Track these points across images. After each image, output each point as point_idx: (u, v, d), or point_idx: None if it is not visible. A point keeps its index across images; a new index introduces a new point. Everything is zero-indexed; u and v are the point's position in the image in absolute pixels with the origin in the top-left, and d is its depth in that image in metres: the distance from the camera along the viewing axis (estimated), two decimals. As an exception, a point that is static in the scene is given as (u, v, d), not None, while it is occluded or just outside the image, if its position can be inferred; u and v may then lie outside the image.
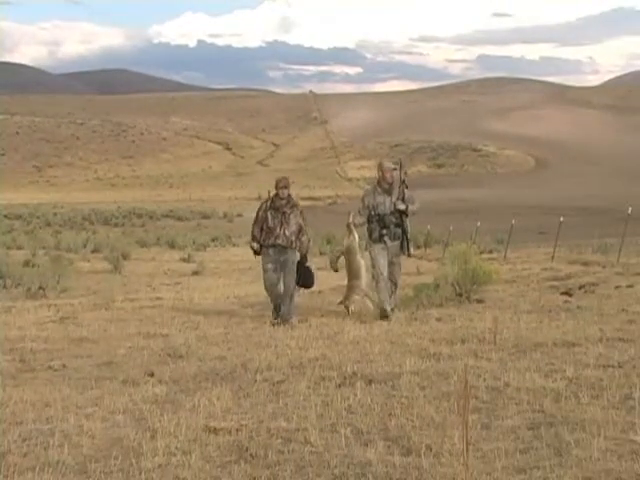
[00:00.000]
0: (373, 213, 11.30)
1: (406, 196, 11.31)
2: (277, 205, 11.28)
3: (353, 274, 11.81)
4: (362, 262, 11.76)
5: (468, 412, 4.72)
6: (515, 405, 5.73)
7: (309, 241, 11.67)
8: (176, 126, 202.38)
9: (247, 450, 4.96)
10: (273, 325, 10.67)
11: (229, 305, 13.76)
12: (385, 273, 11.21)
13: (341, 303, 11.81)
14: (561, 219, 23.77)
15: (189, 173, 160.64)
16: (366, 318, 11.02)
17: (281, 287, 11.29)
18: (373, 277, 11.42)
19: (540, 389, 6.08)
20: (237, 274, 25.08)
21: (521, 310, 10.72)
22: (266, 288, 11.43)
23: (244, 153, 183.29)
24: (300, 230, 11.35)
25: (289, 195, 11.40)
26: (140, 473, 4.66)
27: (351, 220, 11.73)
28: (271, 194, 11.54)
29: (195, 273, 25.67)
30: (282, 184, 11.36)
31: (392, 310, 11.17)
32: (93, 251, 37.93)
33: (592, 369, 6.66)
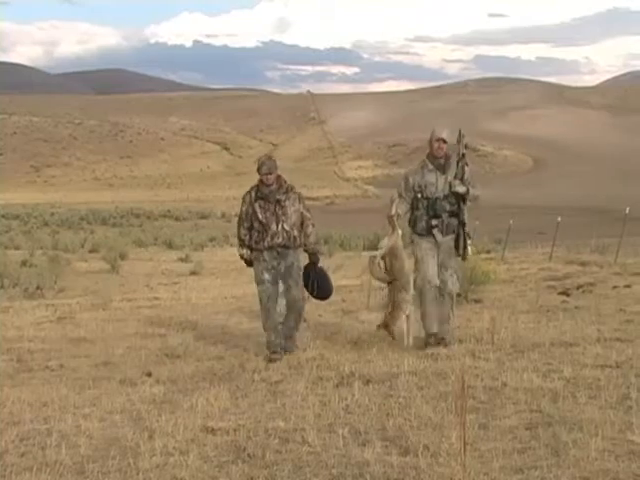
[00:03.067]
0: (420, 196, 8.53)
1: (466, 175, 8.55)
2: (265, 193, 8.49)
3: (399, 284, 8.64)
4: (411, 269, 8.75)
5: (466, 412, 4.72)
6: (513, 405, 5.73)
7: (316, 234, 8.89)
8: (174, 126, 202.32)
9: (245, 450, 4.96)
10: (272, 361, 7.99)
11: (227, 305, 13.75)
12: (435, 281, 8.45)
13: (383, 327, 8.76)
14: (558, 219, 23.76)
15: (187, 173, 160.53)
16: (406, 343, 8.49)
17: (283, 305, 8.64)
18: (415, 287, 8.60)
19: (538, 389, 6.08)
20: (235, 274, 25.05)
21: (519, 310, 10.72)
22: (262, 307, 8.55)
23: (242, 153, 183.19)
24: (303, 220, 8.62)
25: (279, 177, 8.61)
26: (138, 473, 4.66)
27: (394, 211, 8.60)
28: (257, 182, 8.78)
29: (193, 273, 25.65)
30: (265, 169, 8.47)
31: (443, 340, 8.33)
32: (91, 251, 37.88)
33: (590, 369, 6.66)
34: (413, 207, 8.64)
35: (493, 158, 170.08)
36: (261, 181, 8.60)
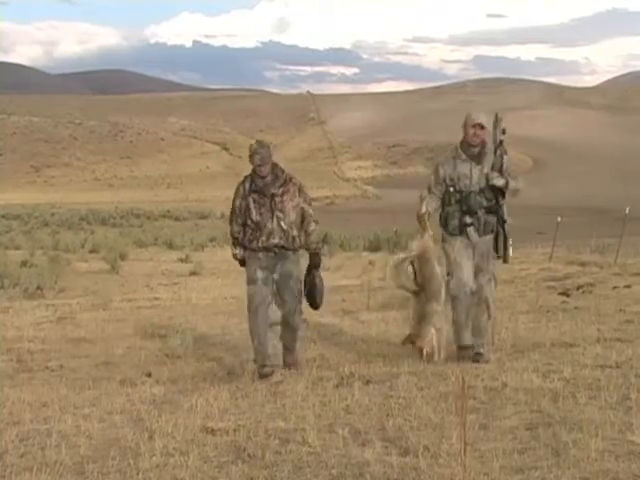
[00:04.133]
0: (452, 190, 7.52)
1: (505, 166, 7.56)
2: (259, 186, 7.48)
3: (429, 293, 7.51)
4: (442, 275, 7.64)
5: (466, 412, 4.72)
6: (513, 405, 5.72)
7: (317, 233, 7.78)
8: (174, 126, 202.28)
9: (245, 450, 4.96)
10: (261, 377, 7.24)
11: (227, 305, 13.76)
12: (471, 285, 7.53)
13: (409, 341, 7.67)
14: (558, 219, 23.76)
15: (187, 173, 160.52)
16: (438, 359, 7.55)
17: (275, 311, 7.67)
18: (448, 293, 7.60)
19: (538, 389, 6.08)
20: (235, 274, 24.96)
21: (519, 310, 10.72)
22: (251, 309, 7.54)
23: (242, 153, 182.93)
24: (304, 216, 7.57)
25: (276, 166, 7.56)
26: (138, 473, 4.66)
27: (424, 210, 7.50)
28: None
29: (193, 273, 25.61)
30: (257, 160, 7.46)
31: (480, 355, 7.45)
32: (91, 251, 37.83)
33: (590, 369, 6.66)
34: (444, 202, 7.61)
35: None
36: (254, 172, 7.56)
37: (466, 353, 7.51)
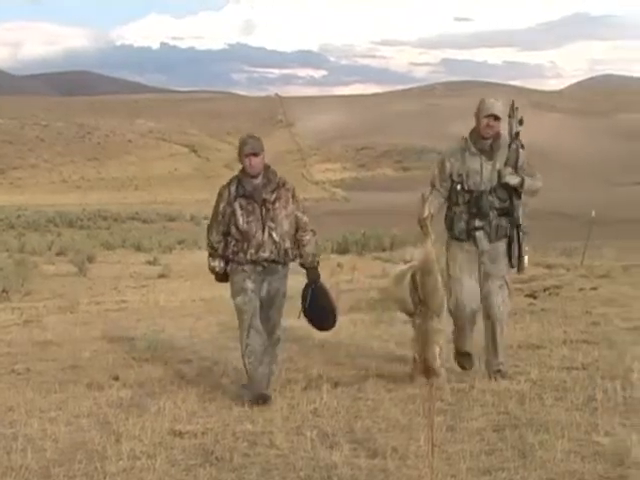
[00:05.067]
0: (460, 188, 6.61)
1: (521, 161, 6.65)
2: (249, 190, 6.49)
3: (432, 310, 6.18)
4: (443, 287, 6.32)
5: (433, 414, 4.74)
6: (480, 407, 5.76)
7: (316, 243, 6.82)
8: (141, 128, 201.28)
9: (212, 453, 4.96)
10: (259, 403, 6.24)
11: (195, 308, 13.72)
12: (471, 305, 6.71)
13: (417, 370, 5.98)
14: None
15: (155, 175, 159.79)
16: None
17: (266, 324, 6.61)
18: (449, 309, 6.48)
19: (505, 391, 6.12)
20: (203, 277, 24.91)
21: (486, 312, 10.76)
22: (243, 324, 6.51)
23: (210, 156, 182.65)
24: (298, 225, 6.63)
25: (268, 168, 6.62)
26: (104, 477, 4.64)
27: (426, 213, 6.07)
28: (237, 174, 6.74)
29: (161, 276, 25.52)
30: (249, 148, 6.51)
31: (500, 371, 6.72)
32: (58, 254, 37.61)
33: (556, 371, 6.71)
34: (451, 202, 6.69)
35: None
36: (243, 172, 6.56)
37: (465, 360, 6.90)
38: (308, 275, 6.77)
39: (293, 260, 6.69)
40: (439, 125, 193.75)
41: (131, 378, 7.26)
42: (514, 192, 6.63)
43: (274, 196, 6.53)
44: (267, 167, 6.61)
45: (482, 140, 6.64)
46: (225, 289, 6.82)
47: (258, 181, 6.53)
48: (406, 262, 6.45)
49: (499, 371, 6.70)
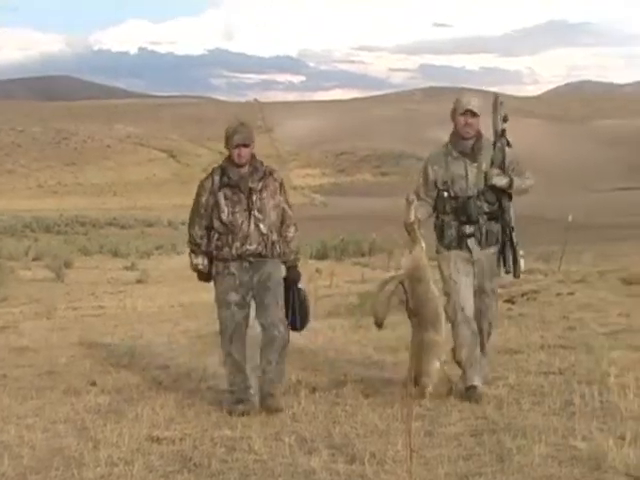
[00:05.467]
0: (446, 195, 6.27)
1: (508, 161, 6.29)
2: (234, 179, 6.13)
3: (426, 320, 6.16)
4: (440, 297, 6.32)
5: (412, 419, 4.75)
6: (458, 412, 5.77)
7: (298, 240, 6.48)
8: (119, 133, 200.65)
9: (191, 459, 4.94)
10: (239, 414, 5.97)
11: (173, 313, 13.70)
12: (470, 310, 6.28)
13: (414, 383, 6.07)
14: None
15: (133, 181, 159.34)
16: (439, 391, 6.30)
17: (258, 331, 6.30)
18: (446, 318, 6.29)
19: (483, 396, 6.13)
20: (182, 282, 24.88)
21: (464, 318, 10.78)
22: (224, 338, 6.28)
23: (189, 161, 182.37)
24: (283, 218, 6.29)
25: (254, 157, 6.25)
26: (82, 484, 4.61)
27: (413, 217, 6.16)
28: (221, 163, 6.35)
29: (139, 281, 25.47)
30: (239, 138, 6.11)
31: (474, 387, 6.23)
32: (35, 259, 37.44)
33: (534, 376, 6.74)
34: (438, 210, 6.37)
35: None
36: (229, 161, 6.18)
37: (475, 394, 6.11)
38: (288, 273, 6.36)
39: (280, 256, 6.25)
40: (418, 130, 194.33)
41: (109, 384, 7.23)
42: (503, 194, 6.25)
43: (261, 185, 6.15)
44: (252, 156, 6.22)
45: (463, 141, 6.26)
46: (205, 292, 6.81)
47: (244, 170, 6.14)
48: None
49: (472, 387, 6.23)
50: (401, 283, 6.24)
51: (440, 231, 6.38)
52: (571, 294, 12.98)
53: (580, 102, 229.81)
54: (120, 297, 19.22)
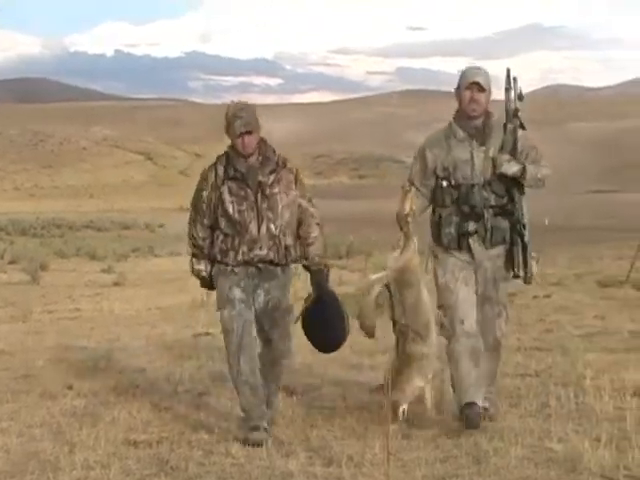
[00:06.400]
0: (446, 184, 5.39)
1: (520, 146, 5.39)
2: (241, 171, 5.30)
3: (413, 329, 5.38)
4: (432, 303, 5.49)
5: (389, 422, 4.76)
6: (435, 415, 5.77)
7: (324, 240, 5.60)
8: (96, 135, 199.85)
9: (168, 463, 4.92)
10: (253, 445, 5.16)
11: (150, 316, 13.65)
12: (471, 323, 5.40)
13: (379, 392, 5.68)
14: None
15: (110, 183, 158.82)
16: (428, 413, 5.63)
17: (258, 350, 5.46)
18: (441, 331, 5.49)
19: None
20: (159, 285, 24.84)
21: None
22: (230, 344, 5.34)
23: (166, 163, 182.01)
24: (302, 216, 5.44)
25: (264, 143, 5.42)
26: (58, 488, 4.59)
27: (407, 209, 5.34)
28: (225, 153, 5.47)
29: (116, 284, 25.38)
30: (240, 125, 5.24)
31: (486, 410, 5.47)
32: (10, 262, 37.22)
33: (510, 378, 6.76)
34: (436, 202, 5.47)
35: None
36: (234, 149, 5.34)
37: (471, 412, 5.32)
38: (313, 279, 5.50)
39: (295, 261, 5.46)
40: (395, 133, 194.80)
41: (85, 387, 7.19)
42: (514, 184, 5.38)
43: (272, 178, 5.31)
44: (262, 141, 5.37)
45: (469, 121, 5.39)
46: (183, 295, 6.78)
47: (253, 160, 5.29)
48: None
49: (486, 409, 5.51)
50: (386, 286, 5.38)
51: (437, 229, 5.47)
52: (547, 297, 13.06)
53: (556, 105, 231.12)
54: (97, 300, 19.14)
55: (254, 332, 5.38)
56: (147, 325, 12.08)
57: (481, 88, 5.36)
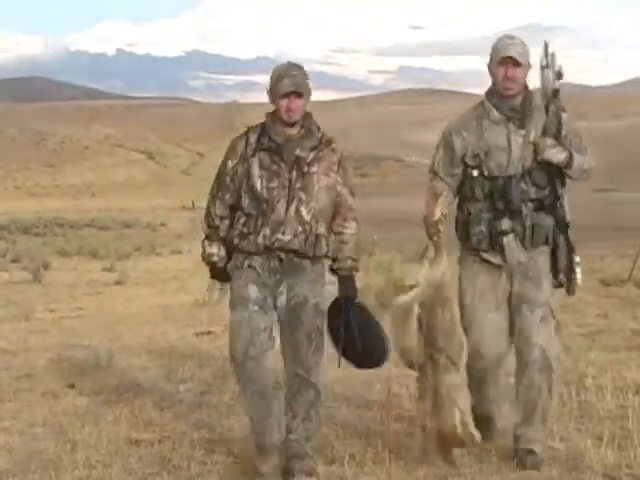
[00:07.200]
0: (477, 174, 4.59)
1: (564, 130, 4.59)
2: (277, 142, 4.46)
3: (450, 354, 4.52)
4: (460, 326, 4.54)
5: (391, 421, 4.76)
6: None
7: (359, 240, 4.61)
8: (98, 134, 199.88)
9: (170, 461, 4.93)
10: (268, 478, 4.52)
11: (153, 315, 13.62)
12: (500, 346, 4.67)
13: (437, 443, 4.61)
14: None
15: (112, 182, 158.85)
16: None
17: (270, 361, 4.56)
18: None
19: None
20: (161, 284, 24.79)
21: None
22: (236, 357, 4.46)
23: (168, 162, 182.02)
24: (339, 207, 4.53)
25: (308, 116, 4.53)
26: (60, 487, 4.59)
27: (438, 214, 4.43)
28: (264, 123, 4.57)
29: (118, 283, 25.32)
30: (289, 84, 4.40)
31: (532, 452, 4.57)
32: (12, 261, 37.18)
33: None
34: (464, 197, 4.71)
35: (420, 168, 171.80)
36: (274, 116, 4.50)
37: (484, 427, 4.67)
38: (341, 287, 4.55)
39: (327, 256, 4.52)
40: (396, 132, 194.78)
41: (87, 386, 7.19)
42: (558, 174, 4.60)
43: (313, 156, 4.45)
44: (307, 115, 4.53)
45: (505, 100, 4.59)
46: (185, 294, 6.76)
47: (293, 131, 4.46)
48: (412, 287, 4.50)
49: (532, 452, 4.60)
50: (418, 303, 4.50)
51: (464, 228, 4.67)
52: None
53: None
54: (99, 299, 19.11)
55: (267, 341, 4.46)
56: (149, 324, 12.07)
57: (517, 63, 4.54)
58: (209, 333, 10.33)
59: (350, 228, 4.52)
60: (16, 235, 68.55)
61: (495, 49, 4.60)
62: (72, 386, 7.24)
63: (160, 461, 4.96)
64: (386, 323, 4.60)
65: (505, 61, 4.53)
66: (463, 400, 4.53)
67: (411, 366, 4.68)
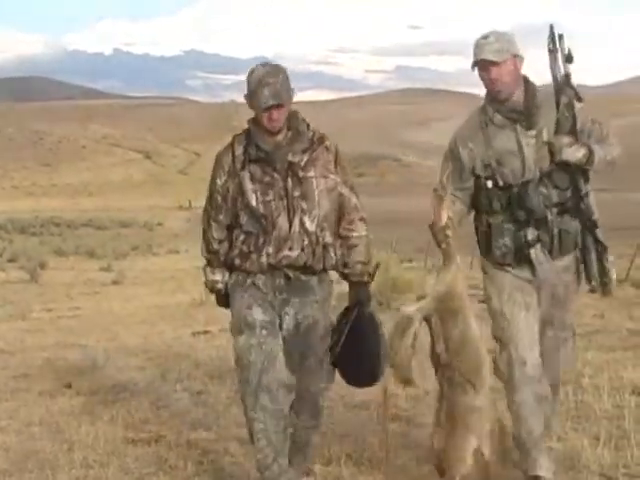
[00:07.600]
0: (492, 185, 4.14)
1: (580, 123, 4.06)
2: (265, 150, 4.04)
3: (463, 374, 4.06)
4: (482, 340, 4.15)
5: (388, 421, 4.76)
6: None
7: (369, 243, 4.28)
8: (95, 134, 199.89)
9: (166, 461, 4.92)
10: None
11: (149, 315, 13.64)
12: (534, 364, 4.19)
13: (440, 472, 4.11)
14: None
15: (109, 181, 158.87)
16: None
17: (286, 381, 4.10)
18: (495, 372, 4.31)
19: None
20: (158, 284, 24.82)
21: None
22: (246, 386, 4.04)
23: (165, 162, 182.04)
24: (342, 208, 4.16)
25: (295, 116, 4.13)
26: (56, 486, 4.59)
27: (445, 219, 4.02)
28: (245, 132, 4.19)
29: (115, 283, 25.36)
30: (269, 97, 3.92)
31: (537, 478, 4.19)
32: (9, 260, 37.22)
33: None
34: (480, 209, 4.27)
35: (418, 168, 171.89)
36: (257, 124, 4.08)
37: None
38: (352, 294, 4.29)
39: (336, 266, 4.17)
40: (394, 132, 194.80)
41: (84, 386, 7.20)
42: (579, 172, 4.10)
43: (306, 158, 4.07)
44: (294, 114, 4.14)
45: (504, 102, 4.12)
46: (182, 294, 6.76)
47: (281, 137, 4.06)
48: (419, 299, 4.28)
49: (537, 477, 4.21)
50: (425, 319, 4.11)
51: (486, 241, 4.26)
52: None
53: (550, 104, 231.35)
54: (96, 298, 19.14)
55: (280, 367, 4.06)
56: (146, 323, 12.08)
57: (494, 62, 4.04)
58: (206, 333, 10.33)
59: (357, 230, 4.20)
60: (13, 234, 68.53)
61: (473, 54, 4.09)
62: (69, 386, 7.25)
63: (157, 461, 4.96)
64: (386, 326, 4.39)
65: (483, 64, 4.06)
66: (481, 427, 4.05)
67: (405, 382, 4.26)
